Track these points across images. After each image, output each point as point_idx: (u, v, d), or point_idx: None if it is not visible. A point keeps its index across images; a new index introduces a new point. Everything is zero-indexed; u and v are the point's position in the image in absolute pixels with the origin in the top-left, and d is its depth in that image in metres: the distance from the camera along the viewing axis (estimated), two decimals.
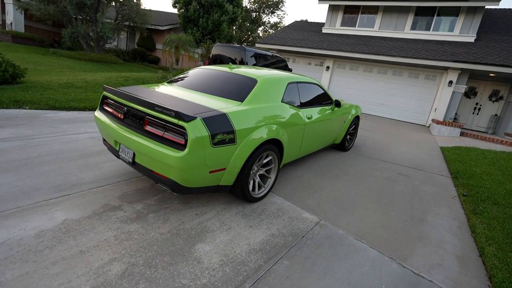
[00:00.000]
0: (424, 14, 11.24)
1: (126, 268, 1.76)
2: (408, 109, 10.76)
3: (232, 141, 2.29)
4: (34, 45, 14.41)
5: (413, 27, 11.57)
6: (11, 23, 14.93)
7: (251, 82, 2.94)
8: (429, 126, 10.21)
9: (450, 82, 9.58)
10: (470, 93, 11.28)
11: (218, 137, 2.16)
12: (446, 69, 9.68)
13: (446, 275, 2.14)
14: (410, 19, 11.49)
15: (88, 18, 13.30)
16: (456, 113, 10.18)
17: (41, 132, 3.83)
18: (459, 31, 10.70)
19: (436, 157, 5.81)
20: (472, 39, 10.52)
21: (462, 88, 9.71)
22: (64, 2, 12.35)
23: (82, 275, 1.66)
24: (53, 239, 1.91)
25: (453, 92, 9.73)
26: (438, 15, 10.98)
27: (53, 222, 2.08)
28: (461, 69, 9.31)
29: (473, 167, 4.95)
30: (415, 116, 10.66)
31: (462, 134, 9.19)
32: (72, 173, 2.86)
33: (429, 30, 11.29)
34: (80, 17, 13.28)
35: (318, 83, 4.02)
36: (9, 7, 14.76)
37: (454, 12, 10.64)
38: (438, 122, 9.15)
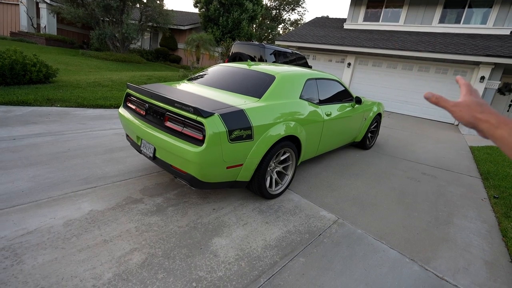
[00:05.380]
0: (454, 6, 10.63)
1: (146, 258, 1.83)
2: (435, 106, 10.18)
3: (250, 137, 2.30)
4: (65, 47, 15.24)
5: (441, 20, 10.98)
6: (45, 27, 15.92)
7: (269, 79, 2.93)
8: (458, 125, 9.67)
9: (482, 78, 9.00)
10: (504, 90, 10.55)
11: (235, 133, 2.18)
12: (477, 64, 9.11)
13: (473, 280, 2.03)
14: (438, 12, 10.91)
15: (114, 20, 13.87)
16: None
17: (70, 128, 4.05)
18: (493, 23, 10.01)
19: (465, 157, 5.50)
20: (507, 32, 9.81)
21: (496, 84, 9.09)
22: (92, 5, 12.97)
23: (105, 263, 1.74)
24: (79, 228, 2.02)
25: (486, 88, 9.14)
26: (470, 7, 10.33)
27: (80, 212, 2.21)
28: (495, 63, 8.72)
29: (506, 167, 4.64)
30: (443, 114, 10.10)
31: None
32: (98, 167, 3.01)
33: (459, 23, 10.66)
34: (107, 19, 13.89)
35: (338, 80, 3.94)
36: (43, 12, 15.73)
37: (487, 3, 9.97)
38: None
